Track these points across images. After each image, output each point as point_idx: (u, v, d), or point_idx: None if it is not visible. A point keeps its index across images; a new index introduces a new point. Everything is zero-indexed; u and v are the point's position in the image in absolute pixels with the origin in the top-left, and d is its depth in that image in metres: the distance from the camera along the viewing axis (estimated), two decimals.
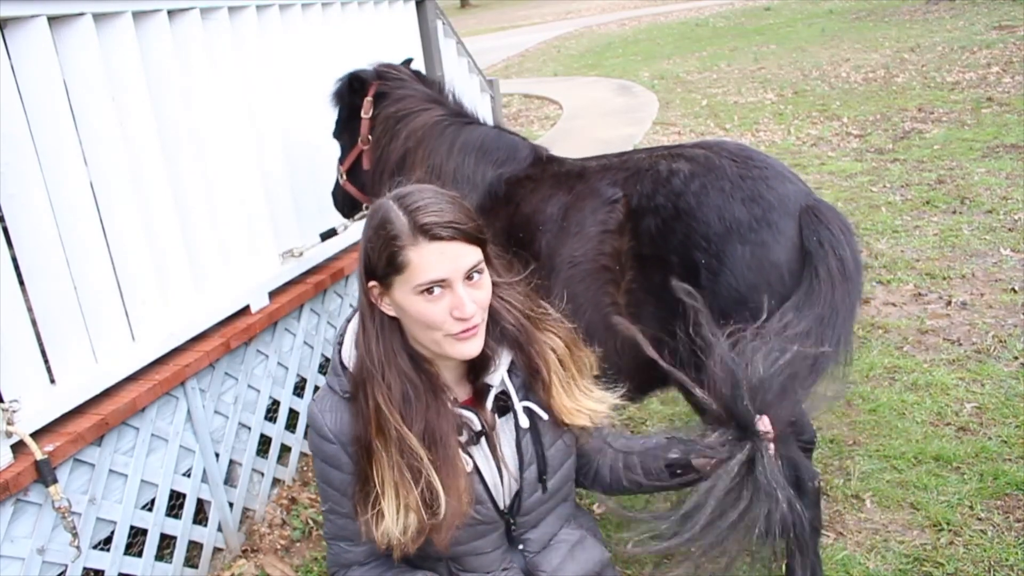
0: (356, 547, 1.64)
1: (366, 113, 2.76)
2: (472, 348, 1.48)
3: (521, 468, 1.62)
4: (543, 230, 2.31)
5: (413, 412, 1.48)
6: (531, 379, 1.60)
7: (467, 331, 1.45)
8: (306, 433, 3.38)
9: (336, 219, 3.27)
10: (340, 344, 1.61)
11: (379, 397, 1.47)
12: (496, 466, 1.60)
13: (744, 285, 1.96)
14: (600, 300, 2.18)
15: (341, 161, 2.95)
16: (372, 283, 1.47)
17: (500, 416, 1.61)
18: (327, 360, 3.59)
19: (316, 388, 3.45)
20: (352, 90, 2.80)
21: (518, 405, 1.59)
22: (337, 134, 2.97)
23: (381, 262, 1.43)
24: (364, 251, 1.48)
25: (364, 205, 2.97)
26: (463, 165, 2.56)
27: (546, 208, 2.33)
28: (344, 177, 2.94)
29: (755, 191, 2.01)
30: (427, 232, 1.39)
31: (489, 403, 1.58)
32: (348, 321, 1.64)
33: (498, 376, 1.58)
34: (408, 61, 3.04)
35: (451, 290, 1.42)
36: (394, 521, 1.47)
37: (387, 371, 1.48)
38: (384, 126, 2.70)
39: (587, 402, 1.63)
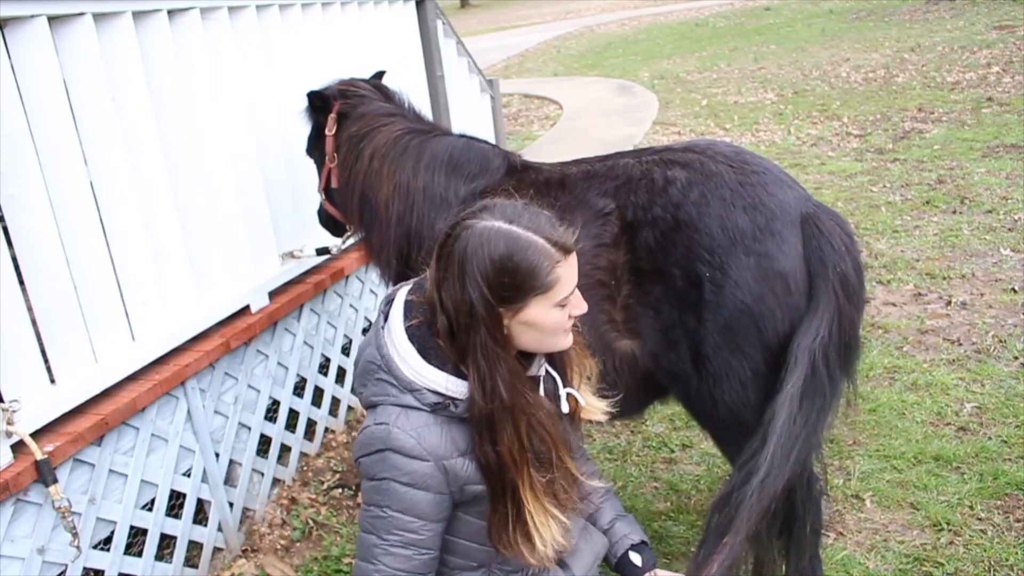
0: (419, 558, 1.53)
1: (330, 131, 2.68)
2: (571, 337, 1.56)
3: None
4: None
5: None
6: (560, 372, 1.66)
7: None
8: (308, 434, 3.39)
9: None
10: (387, 360, 1.53)
11: (527, 420, 1.49)
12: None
13: (750, 296, 1.92)
14: (596, 318, 2.11)
15: (318, 181, 2.87)
16: (503, 310, 1.45)
17: None
18: (327, 360, 3.59)
19: (316, 388, 3.46)
20: (315, 108, 2.72)
21: (563, 391, 1.63)
22: (309, 151, 2.89)
23: (526, 287, 1.43)
24: (493, 284, 1.42)
25: (347, 226, 2.87)
26: (433, 182, 2.44)
27: None
28: (323, 196, 2.84)
29: (756, 199, 1.95)
30: (566, 248, 1.46)
31: (541, 391, 1.62)
32: (380, 335, 1.56)
33: (542, 367, 1.63)
34: (379, 74, 2.97)
35: (573, 293, 1.50)
36: (555, 531, 1.53)
37: (527, 394, 1.50)
38: (348, 146, 2.62)
39: (592, 400, 1.71)
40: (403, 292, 1.61)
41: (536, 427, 1.51)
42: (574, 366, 1.68)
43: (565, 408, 1.63)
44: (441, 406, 1.49)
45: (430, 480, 1.49)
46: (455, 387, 1.49)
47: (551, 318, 1.47)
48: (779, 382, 1.94)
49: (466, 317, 1.44)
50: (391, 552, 1.50)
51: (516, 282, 1.42)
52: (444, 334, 1.49)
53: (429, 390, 1.49)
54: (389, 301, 1.61)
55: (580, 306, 1.51)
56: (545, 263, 1.42)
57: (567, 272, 1.46)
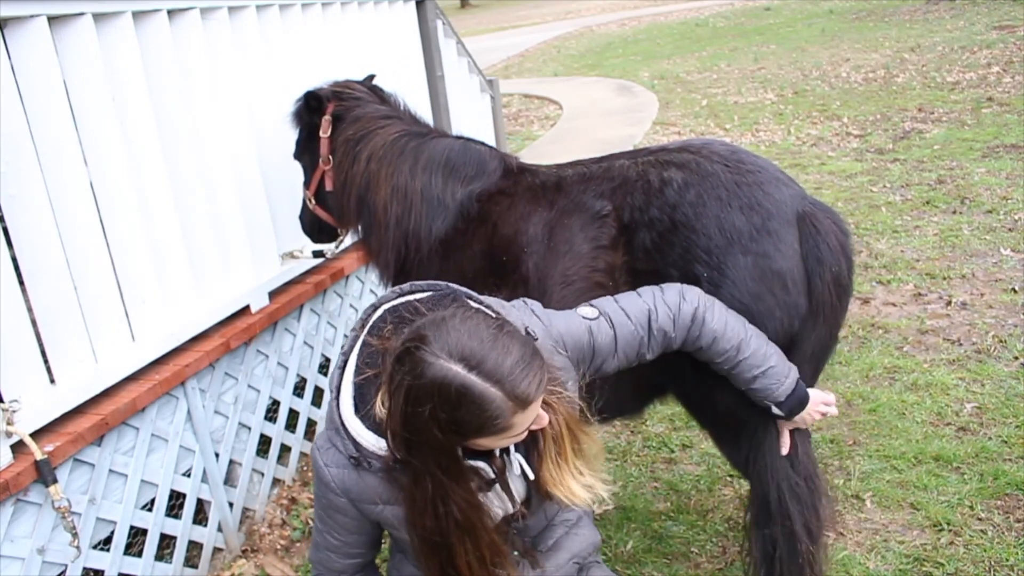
0: (346, 560, 1.69)
1: (324, 133, 2.65)
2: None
3: (529, 495, 1.66)
4: (528, 252, 2.18)
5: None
6: (526, 442, 1.57)
7: None
8: (308, 434, 3.39)
9: None
10: (337, 398, 1.55)
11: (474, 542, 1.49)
12: (509, 498, 1.63)
13: (747, 296, 1.93)
14: None
15: (306, 184, 2.83)
16: (452, 437, 1.40)
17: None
18: (327, 360, 3.59)
19: (316, 388, 3.46)
20: (310, 109, 2.69)
21: (515, 456, 1.58)
22: (298, 155, 2.85)
23: (478, 434, 1.38)
24: (444, 427, 1.35)
25: (338, 230, 2.85)
26: (430, 184, 2.44)
27: (528, 228, 2.21)
28: (313, 201, 2.80)
29: (752, 198, 1.96)
30: (527, 401, 1.37)
31: (497, 450, 1.59)
32: (341, 370, 1.57)
33: None
34: (370, 77, 2.95)
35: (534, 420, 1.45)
36: None
37: (480, 521, 1.49)
38: (344, 149, 2.60)
39: (572, 484, 1.59)
40: (378, 314, 1.58)
41: (482, 549, 1.49)
42: (544, 443, 1.56)
43: (518, 471, 1.57)
44: (356, 462, 1.51)
45: (346, 510, 1.58)
46: (383, 447, 1.48)
47: (504, 442, 1.45)
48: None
49: (412, 445, 1.39)
50: (324, 535, 1.67)
51: (465, 430, 1.37)
52: (390, 441, 1.44)
53: (354, 441, 1.50)
54: (363, 323, 1.59)
55: (541, 423, 1.46)
56: (499, 419, 1.35)
57: (523, 418, 1.39)
